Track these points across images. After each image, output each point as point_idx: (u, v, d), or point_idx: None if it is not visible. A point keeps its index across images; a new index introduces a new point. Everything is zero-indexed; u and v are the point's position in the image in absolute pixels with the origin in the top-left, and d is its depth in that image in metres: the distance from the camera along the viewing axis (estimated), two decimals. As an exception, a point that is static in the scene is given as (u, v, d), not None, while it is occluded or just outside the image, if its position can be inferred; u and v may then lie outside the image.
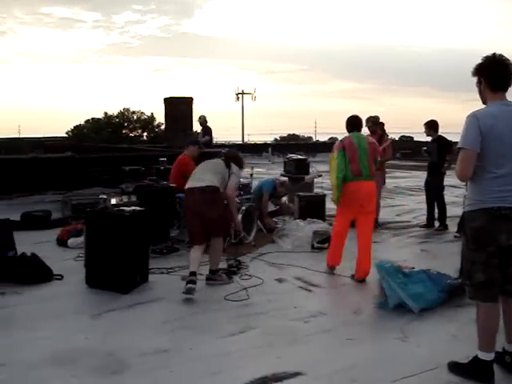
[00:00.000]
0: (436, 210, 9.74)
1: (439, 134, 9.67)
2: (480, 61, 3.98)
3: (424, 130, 9.85)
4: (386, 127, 10.46)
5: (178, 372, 4.16)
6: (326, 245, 8.04)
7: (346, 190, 6.49)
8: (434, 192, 9.69)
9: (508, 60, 3.90)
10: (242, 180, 7.41)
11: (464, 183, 4.28)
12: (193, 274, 5.81)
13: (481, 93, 4.02)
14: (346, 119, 6.93)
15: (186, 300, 5.70)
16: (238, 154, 7.15)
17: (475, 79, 4.04)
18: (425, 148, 9.98)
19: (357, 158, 6.52)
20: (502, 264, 3.87)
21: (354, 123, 6.89)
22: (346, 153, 6.53)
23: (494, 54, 3.95)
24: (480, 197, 3.88)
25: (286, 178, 10.31)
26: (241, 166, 6.84)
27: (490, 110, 3.87)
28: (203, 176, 6.31)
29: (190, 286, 5.69)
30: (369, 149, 6.65)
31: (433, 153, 9.65)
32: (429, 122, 9.77)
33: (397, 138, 34.74)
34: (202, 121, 15.63)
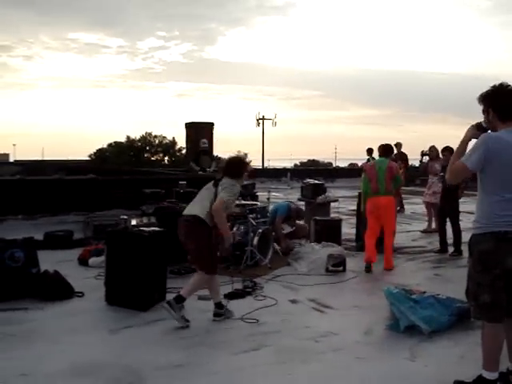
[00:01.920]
0: (450, 236, 9.83)
1: None
2: (487, 90, 4.08)
3: (442, 155, 10.05)
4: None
5: (192, 385, 4.32)
6: (341, 268, 8.19)
7: (368, 204, 8.57)
8: (450, 217, 9.79)
9: None
10: (241, 190, 6.37)
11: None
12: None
13: (489, 121, 4.11)
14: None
15: (202, 319, 5.88)
16: (233, 160, 6.25)
17: (482, 107, 4.14)
18: (442, 174, 10.11)
19: (375, 178, 8.43)
20: (508, 286, 3.98)
21: (383, 151, 8.86)
22: (366, 175, 8.62)
23: (502, 83, 4.05)
24: (487, 220, 4.00)
25: (302, 206, 10.41)
26: (237, 173, 5.96)
27: (503, 136, 3.96)
28: (192, 203, 5.97)
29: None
30: (387, 170, 8.42)
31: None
32: (446, 147, 9.97)
33: (417, 165, 34.70)
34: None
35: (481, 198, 4.09)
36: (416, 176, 22.16)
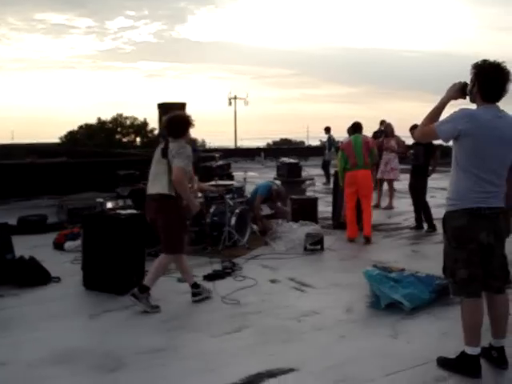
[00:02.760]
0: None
1: None
2: (481, 63, 3.94)
3: (410, 133, 10.03)
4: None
5: (174, 369, 4.27)
6: (319, 247, 8.20)
7: (347, 177, 9.04)
8: (419, 194, 9.88)
9: (509, 73, 3.89)
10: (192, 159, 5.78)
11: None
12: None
13: (471, 92, 4.04)
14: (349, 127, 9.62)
15: (182, 301, 5.85)
16: (174, 118, 5.76)
17: (471, 75, 4.00)
18: (411, 151, 10.15)
19: (353, 153, 8.91)
20: (483, 261, 4.01)
21: (354, 128, 9.37)
22: (344, 152, 9.04)
23: (499, 64, 3.89)
24: (460, 197, 4.01)
25: (282, 188, 10.37)
26: (181, 131, 5.64)
27: (481, 114, 3.93)
28: (152, 181, 5.72)
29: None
30: (363, 145, 8.96)
31: (419, 156, 9.81)
32: (415, 125, 9.95)
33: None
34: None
35: (454, 174, 4.08)
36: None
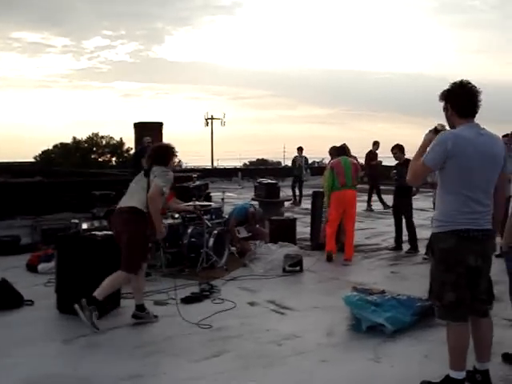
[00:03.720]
0: (405, 233, 9.89)
1: (406, 157, 9.85)
2: (447, 87, 4.07)
3: (392, 153, 10.05)
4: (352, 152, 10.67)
5: (152, 396, 4.15)
6: (298, 268, 8.11)
7: (334, 196, 9.13)
8: (404, 215, 9.83)
9: (475, 87, 3.99)
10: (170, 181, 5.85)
11: (431, 206, 4.37)
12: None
13: (448, 119, 4.12)
14: (331, 147, 10.22)
15: (159, 325, 5.71)
16: (160, 147, 6.10)
17: (442, 104, 4.15)
18: (394, 171, 10.14)
19: (343, 173, 9.08)
20: (470, 284, 3.95)
21: (341, 150, 9.60)
22: (333, 170, 9.15)
23: (462, 81, 4.02)
24: (448, 218, 3.96)
25: (258, 210, 10.31)
26: (165, 160, 5.82)
27: (463, 133, 3.93)
28: (127, 196, 5.80)
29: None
30: (352, 166, 9.20)
31: (402, 176, 9.79)
32: (396, 145, 10.01)
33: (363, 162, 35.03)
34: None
35: (441, 195, 4.06)
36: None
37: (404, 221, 9.89)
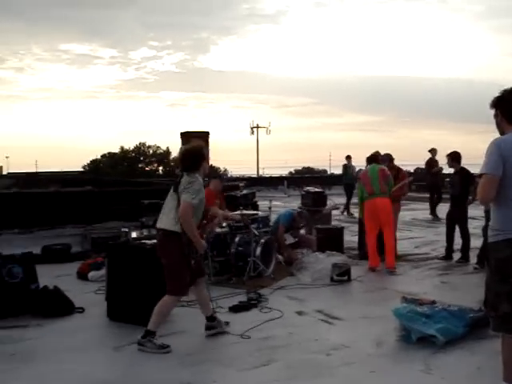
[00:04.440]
0: (456, 242, 9.72)
1: (461, 165, 9.70)
2: (498, 94, 4.02)
3: (447, 161, 9.91)
4: (402, 159, 10.60)
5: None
6: (346, 277, 8.05)
7: (365, 207, 9.14)
8: (459, 224, 9.67)
9: None
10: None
11: (483, 215, 4.29)
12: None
13: (498, 125, 4.06)
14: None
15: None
16: (187, 151, 5.61)
17: (493, 111, 4.09)
18: (448, 180, 10.01)
19: (369, 181, 9.01)
20: None
21: (371, 159, 9.52)
22: (360, 181, 9.32)
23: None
24: (504, 227, 3.87)
25: (304, 211, 10.35)
26: (195, 165, 5.43)
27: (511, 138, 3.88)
28: (161, 214, 5.56)
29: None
30: (379, 172, 9.02)
31: (455, 185, 9.65)
32: (450, 153, 9.80)
33: (412, 170, 34.73)
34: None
35: (495, 204, 3.96)
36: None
37: (458, 230, 9.72)
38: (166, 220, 5.39)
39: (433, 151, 16.00)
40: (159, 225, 5.48)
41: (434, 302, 6.06)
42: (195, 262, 5.44)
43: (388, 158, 10.03)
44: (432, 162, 15.92)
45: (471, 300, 6.23)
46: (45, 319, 6.22)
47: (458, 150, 9.82)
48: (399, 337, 5.53)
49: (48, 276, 7.46)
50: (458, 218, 9.68)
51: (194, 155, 5.49)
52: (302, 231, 10.44)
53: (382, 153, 9.96)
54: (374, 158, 9.52)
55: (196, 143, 5.83)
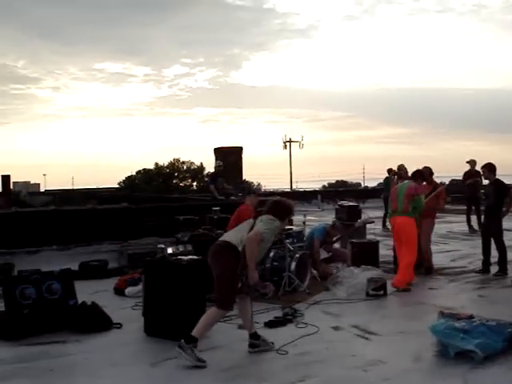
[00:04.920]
0: (493, 255, 9.58)
1: (496, 177, 9.56)
2: None
3: (482, 173, 9.80)
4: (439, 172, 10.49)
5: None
6: (382, 292, 7.99)
7: (391, 223, 9.39)
8: (493, 236, 9.53)
9: None
10: (285, 227, 6.41)
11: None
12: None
13: None
14: None
15: (243, 349, 5.73)
16: (281, 201, 5.97)
17: None
18: (483, 191, 9.89)
19: (395, 198, 8.91)
20: None
21: (412, 175, 9.37)
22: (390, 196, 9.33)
23: None
24: None
25: (337, 223, 10.32)
26: (281, 214, 5.74)
27: None
28: (228, 232, 6.09)
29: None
30: (405, 191, 8.77)
31: (490, 196, 9.53)
32: (487, 164, 9.63)
33: (447, 182, 34.31)
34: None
35: None
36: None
37: (493, 242, 9.59)
38: (233, 236, 5.66)
39: (472, 162, 15.64)
40: (223, 238, 5.74)
41: (471, 317, 5.98)
42: (242, 284, 5.54)
43: (428, 172, 9.86)
44: (469, 174, 15.55)
45: (510, 314, 6.15)
46: (83, 335, 6.31)
47: (491, 161, 9.71)
48: (437, 352, 5.48)
49: (86, 292, 7.58)
50: (492, 230, 9.56)
51: (286, 210, 5.85)
52: (337, 245, 10.41)
53: (419, 166, 9.79)
54: (413, 175, 9.27)
55: (288, 202, 6.02)
